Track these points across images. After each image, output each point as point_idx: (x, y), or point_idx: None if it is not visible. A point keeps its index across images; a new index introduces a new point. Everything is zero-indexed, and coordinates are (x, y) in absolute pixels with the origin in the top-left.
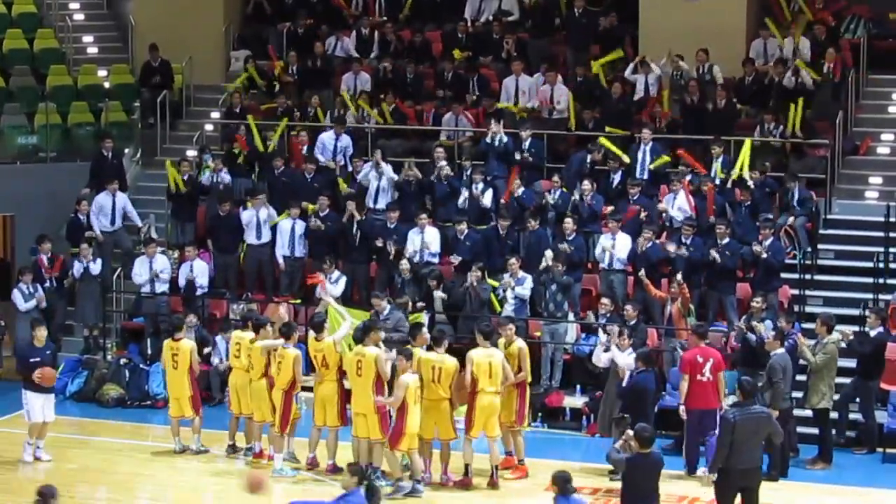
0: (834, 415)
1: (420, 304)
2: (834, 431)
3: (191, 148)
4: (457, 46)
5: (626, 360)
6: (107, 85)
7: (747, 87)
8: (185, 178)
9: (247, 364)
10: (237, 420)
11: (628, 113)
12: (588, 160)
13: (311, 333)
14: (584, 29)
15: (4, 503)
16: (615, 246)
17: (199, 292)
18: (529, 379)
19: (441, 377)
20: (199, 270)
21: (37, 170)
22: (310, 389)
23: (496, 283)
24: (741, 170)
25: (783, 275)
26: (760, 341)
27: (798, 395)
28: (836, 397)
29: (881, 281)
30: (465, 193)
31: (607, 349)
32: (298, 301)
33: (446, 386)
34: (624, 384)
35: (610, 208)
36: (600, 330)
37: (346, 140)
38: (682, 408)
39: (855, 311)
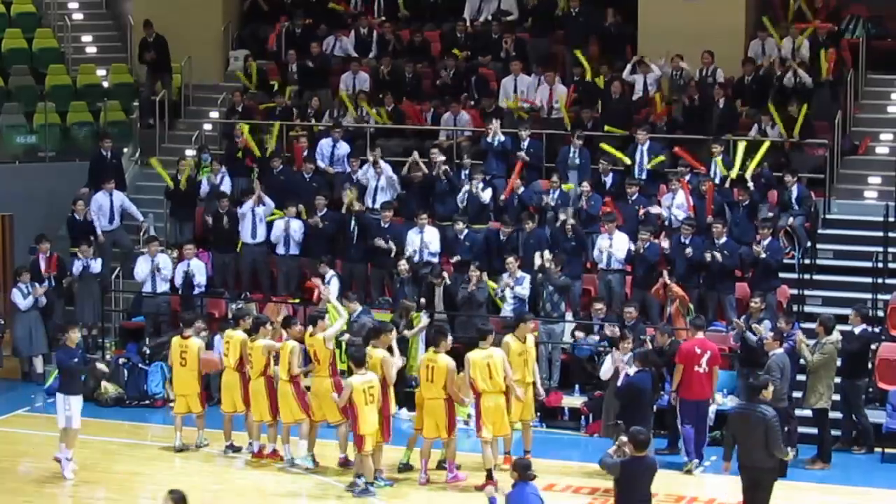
0: (838, 415)
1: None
2: (840, 432)
3: (189, 147)
4: (456, 46)
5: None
6: (106, 84)
7: (747, 87)
8: (185, 176)
9: (235, 363)
10: (230, 419)
11: (628, 112)
12: (572, 153)
13: (308, 328)
14: (583, 28)
15: (4, 503)
16: (612, 246)
17: (196, 291)
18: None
19: (434, 376)
20: (197, 269)
21: (36, 169)
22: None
23: (494, 286)
24: (740, 169)
25: (782, 275)
26: (760, 341)
27: (798, 395)
28: (837, 397)
29: (880, 281)
30: (464, 191)
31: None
32: (297, 301)
33: (440, 385)
34: (619, 384)
35: (606, 209)
36: (609, 351)
37: (344, 147)
38: (672, 395)
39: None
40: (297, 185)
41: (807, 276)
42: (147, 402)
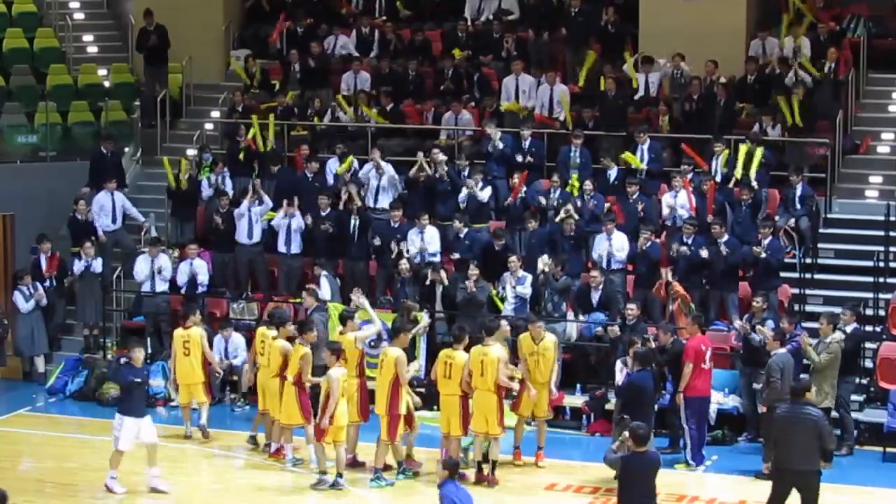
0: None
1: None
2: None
3: (191, 147)
4: (457, 45)
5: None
6: (107, 84)
7: (749, 86)
8: (186, 176)
9: (268, 361)
10: (263, 416)
11: (625, 112)
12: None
13: (339, 327)
14: (583, 28)
15: None
16: (612, 246)
17: (199, 290)
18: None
19: (452, 372)
20: (200, 269)
21: (37, 169)
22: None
23: (495, 292)
24: (743, 169)
25: (783, 274)
26: (763, 342)
27: None
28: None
29: (881, 280)
30: (464, 191)
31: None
32: (298, 301)
33: (457, 382)
34: (620, 383)
35: (607, 205)
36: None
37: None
38: (679, 395)
39: None
40: (299, 185)
41: (808, 276)
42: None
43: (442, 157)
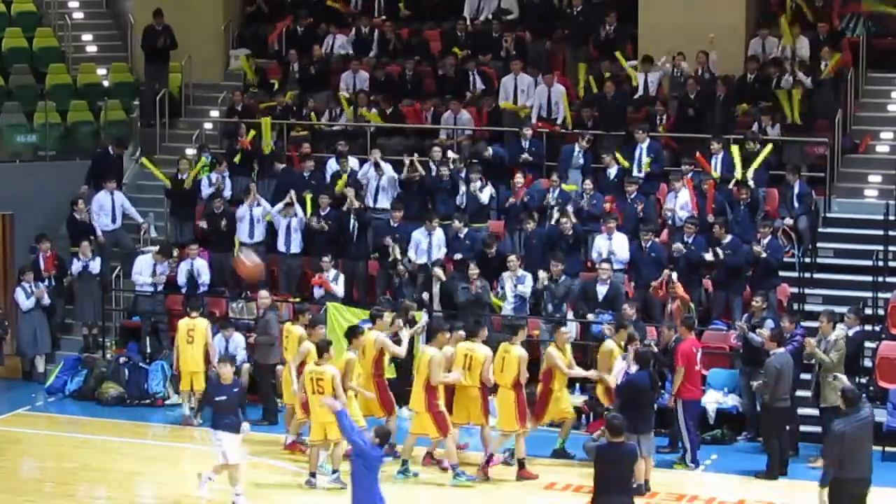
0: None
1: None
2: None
3: (190, 146)
4: (456, 45)
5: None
6: (106, 83)
7: (749, 85)
8: (193, 174)
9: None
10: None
11: (623, 111)
12: (576, 152)
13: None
14: (583, 28)
15: (4, 503)
16: (612, 246)
17: (201, 290)
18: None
19: (472, 365)
20: (201, 268)
21: (36, 168)
22: None
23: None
24: (743, 168)
25: (782, 273)
26: (762, 342)
27: (802, 393)
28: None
29: (880, 279)
30: (463, 190)
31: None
32: (298, 300)
33: (476, 374)
34: (618, 382)
35: (607, 205)
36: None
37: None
38: (673, 398)
39: None
40: (297, 183)
41: (807, 275)
42: (148, 401)
43: (453, 154)
